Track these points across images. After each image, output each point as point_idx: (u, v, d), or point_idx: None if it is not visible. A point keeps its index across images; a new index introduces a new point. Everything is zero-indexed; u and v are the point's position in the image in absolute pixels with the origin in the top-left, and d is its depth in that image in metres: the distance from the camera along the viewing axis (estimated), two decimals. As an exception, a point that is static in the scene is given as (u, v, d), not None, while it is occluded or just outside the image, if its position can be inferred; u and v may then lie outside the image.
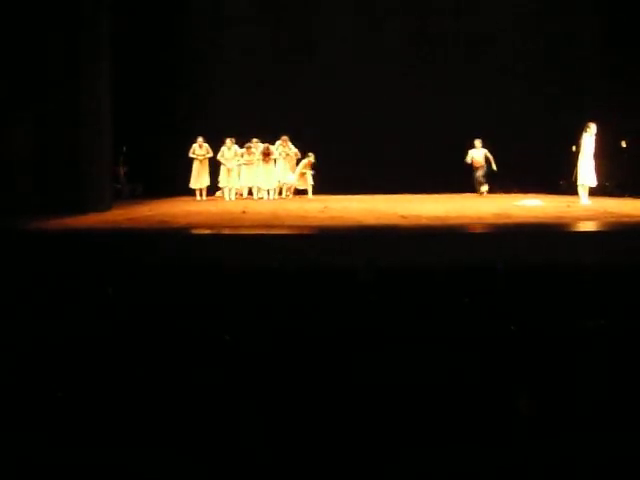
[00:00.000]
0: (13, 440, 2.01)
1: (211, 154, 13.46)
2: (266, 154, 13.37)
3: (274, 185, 13.65)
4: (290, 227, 8.31)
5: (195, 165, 13.51)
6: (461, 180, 14.92)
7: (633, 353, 2.65)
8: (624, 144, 14.09)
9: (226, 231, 8.09)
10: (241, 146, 13.69)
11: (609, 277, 4.55)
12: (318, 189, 14.04)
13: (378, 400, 2.35)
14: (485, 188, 14.51)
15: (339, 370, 2.57)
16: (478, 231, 7.83)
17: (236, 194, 13.83)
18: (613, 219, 8.63)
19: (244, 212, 10.16)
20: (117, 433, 2.08)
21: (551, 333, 2.56)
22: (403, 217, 9.17)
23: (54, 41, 9.95)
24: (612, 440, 1.94)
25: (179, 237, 7.67)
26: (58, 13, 10.02)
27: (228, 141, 13.35)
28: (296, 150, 13.78)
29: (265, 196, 13.45)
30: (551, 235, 7.42)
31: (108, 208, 10.61)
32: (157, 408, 2.29)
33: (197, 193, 13.67)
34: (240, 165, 13.58)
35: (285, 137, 13.65)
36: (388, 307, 3.52)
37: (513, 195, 13.41)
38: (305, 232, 7.86)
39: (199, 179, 13.57)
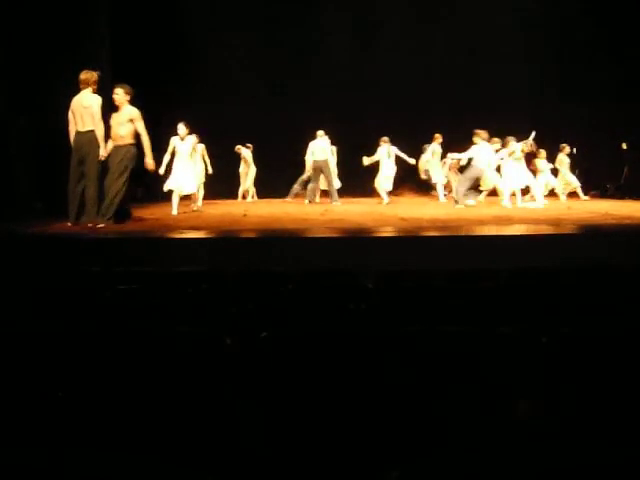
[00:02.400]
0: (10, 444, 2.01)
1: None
2: None
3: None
4: (291, 230, 8.32)
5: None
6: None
7: (634, 355, 2.64)
8: (625, 146, 14.13)
9: (228, 234, 8.10)
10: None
11: (610, 279, 4.55)
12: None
13: (378, 402, 2.35)
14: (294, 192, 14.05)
15: (339, 373, 2.57)
16: (479, 233, 7.82)
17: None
18: (614, 221, 8.63)
19: (245, 215, 10.18)
20: (116, 437, 2.08)
21: (551, 334, 2.55)
22: (403, 219, 9.18)
23: (54, 44, 9.98)
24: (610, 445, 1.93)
25: (181, 240, 7.68)
26: (58, 17, 10.06)
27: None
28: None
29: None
30: (552, 237, 7.41)
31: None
32: (157, 412, 2.29)
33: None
34: None
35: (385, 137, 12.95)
36: (389, 310, 3.52)
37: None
38: (306, 235, 7.86)
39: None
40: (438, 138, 13.70)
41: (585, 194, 13.84)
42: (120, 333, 2.78)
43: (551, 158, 13.07)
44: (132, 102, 8.29)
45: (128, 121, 8.14)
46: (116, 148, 8.20)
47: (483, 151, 11.29)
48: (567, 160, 13.68)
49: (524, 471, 1.77)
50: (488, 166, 11.32)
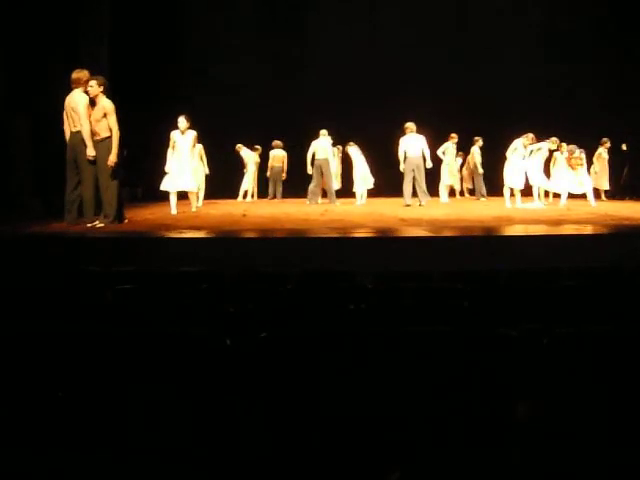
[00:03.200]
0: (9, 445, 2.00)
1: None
2: None
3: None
4: (291, 230, 8.31)
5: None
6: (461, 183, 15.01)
7: (634, 357, 2.64)
8: (624, 147, 14.13)
9: (227, 234, 8.09)
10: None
11: (609, 280, 4.54)
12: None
13: (376, 402, 2.35)
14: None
15: (337, 374, 2.56)
16: (478, 234, 7.82)
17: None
18: (613, 222, 8.63)
19: (244, 215, 10.16)
20: (115, 437, 2.08)
21: (550, 337, 2.55)
22: (403, 220, 9.17)
23: (53, 44, 9.98)
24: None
25: (181, 240, 7.67)
26: (58, 16, 10.07)
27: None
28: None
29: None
30: (551, 238, 7.41)
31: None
32: (156, 412, 2.29)
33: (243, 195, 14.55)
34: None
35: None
36: (387, 310, 3.52)
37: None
38: (305, 235, 7.85)
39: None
40: (454, 137, 13.85)
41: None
42: (119, 333, 2.78)
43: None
44: (106, 93, 8.29)
45: (103, 116, 8.18)
46: (97, 144, 8.20)
47: (412, 142, 11.72)
48: (606, 156, 13.45)
49: (524, 471, 1.77)
50: (421, 153, 11.75)
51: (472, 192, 15.15)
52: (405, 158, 11.72)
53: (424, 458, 1.96)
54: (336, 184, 13.41)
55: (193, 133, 9.88)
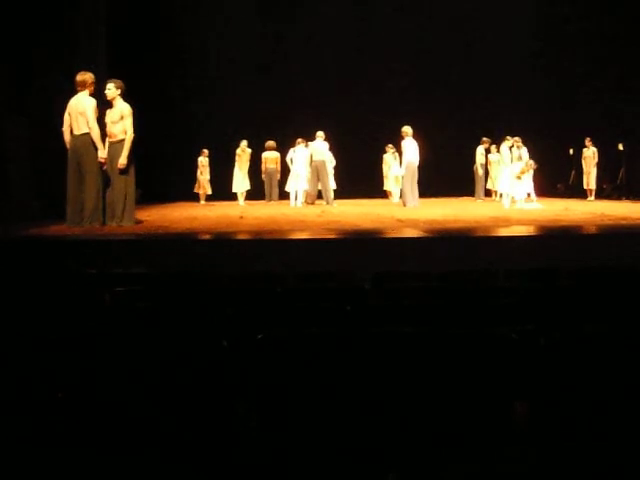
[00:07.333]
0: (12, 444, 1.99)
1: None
2: None
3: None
4: (288, 232, 8.31)
5: (236, 169, 13.93)
6: (459, 184, 15.04)
7: (633, 358, 2.64)
8: (621, 147, 14.17)
9: (224, 236, 8.09)
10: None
11: (607, 280, 4.54)
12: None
13: (375, 405, 2.35)
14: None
15: (336, 375, 2.56)
16: (476, 235, 7.82)
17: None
18: (610, 222, 8.64)
19: (242, 217, 10.16)
20: (111, 438, 2.07)
21: (549, 337, 2.55)
22: (400, 221, 9.17)
23: (49, 44, 9.97)
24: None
25: (177, 242, 7.66)
26: (54, 17, 10.07)
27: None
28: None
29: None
30: (549, 238, 7.42)
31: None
32: (154, 414, 2.28)
33: (239, 197, 14.10)
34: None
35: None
36: (386, 311, 3.51)
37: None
38: (303, 237, 7.85)
39: (242, 183, 14.00)
40: (486, 142, 14.08)
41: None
42: (117, 335, 2.77)
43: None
44: (124, 96, 8.29)
45: (120, 118, 8.17)
46: (112, 146, 8.17)
47: (412, 146, 11.92)
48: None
49: (523, 471, 1.77)
50: (416, 158, 11.89)
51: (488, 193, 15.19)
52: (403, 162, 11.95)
53: (422, 459, 1.95)
54: (306, 184, 13.28)
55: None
